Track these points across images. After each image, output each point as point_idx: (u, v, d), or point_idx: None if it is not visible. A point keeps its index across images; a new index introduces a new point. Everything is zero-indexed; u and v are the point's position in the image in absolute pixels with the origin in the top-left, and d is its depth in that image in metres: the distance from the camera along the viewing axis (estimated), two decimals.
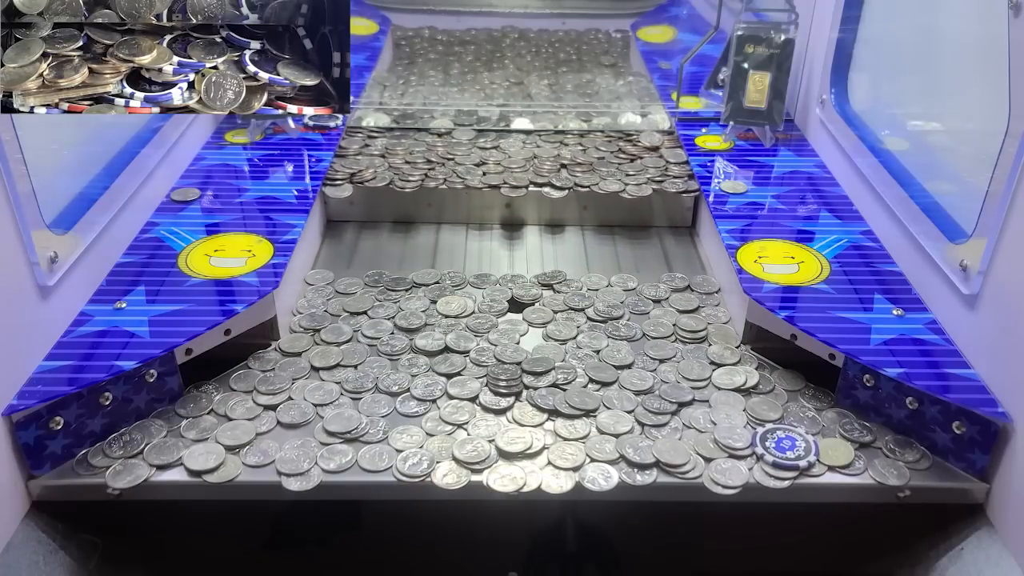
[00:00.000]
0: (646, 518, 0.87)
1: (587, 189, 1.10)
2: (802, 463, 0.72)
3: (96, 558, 0.75)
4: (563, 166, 1.14)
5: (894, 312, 0.83)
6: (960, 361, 0.76)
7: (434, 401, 0.79)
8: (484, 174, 1.12)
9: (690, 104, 1.31)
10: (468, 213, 1.12)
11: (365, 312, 0.92)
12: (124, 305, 0.82)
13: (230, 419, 0.77)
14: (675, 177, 1.12)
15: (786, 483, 0.71)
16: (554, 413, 0.78)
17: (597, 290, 0.97)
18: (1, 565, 0.67)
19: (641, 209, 1.11)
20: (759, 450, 0.73)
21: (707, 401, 0.80)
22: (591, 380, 0.82)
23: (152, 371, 0.76)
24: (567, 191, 1.10)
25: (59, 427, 0.71)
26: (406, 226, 1.11)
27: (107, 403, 0.74)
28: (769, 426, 0.76)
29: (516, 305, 0.94)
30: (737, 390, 0.81)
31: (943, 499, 0.74)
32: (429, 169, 1.12)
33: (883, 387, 0.77)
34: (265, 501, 0.75)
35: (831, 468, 0.72)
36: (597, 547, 0.97)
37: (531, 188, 1.10)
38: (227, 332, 0.82)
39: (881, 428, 0.77)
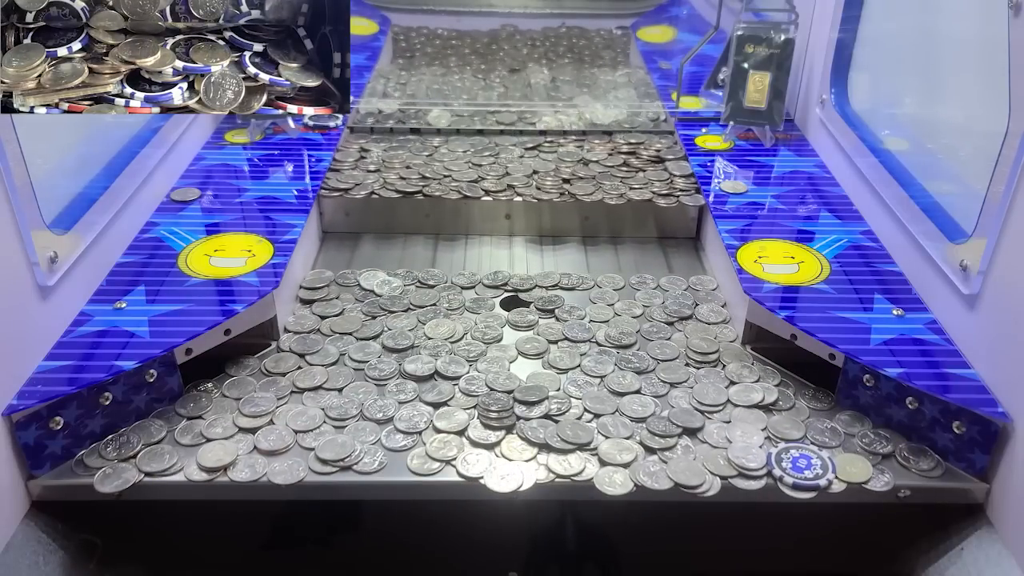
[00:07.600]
0: (646, 518, 0.87)
1: (589, 198, 1.08)
2: (822, 482, 0.71)
3: (96, 558, 0.75)
4: (565, 181, 1.12)
5: (894, 312, 0.83)
6: (960, 361, 0.76)
7: (419, 433, 0.75)
8: (486, 192, 1.10)
9: (690, 104, 1.31)
10: (467, 224, 1.10)
11: (351, 334, 0.88)
12: (124, 305, 0.82)
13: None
14: (680, 190, 1.10)
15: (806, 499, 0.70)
16: (545, 447, 0.74)
17: (607, 320, 0.91)
18: (1, 565, 0.67)
19: (644, 220, 1.10)
20: (776, 472, 0.71)
21: (721, 421, 0.77)
22: (585, 411, 0.78)
23: (152, 371, 0.76)
24: (568, 200, 1.08)
25: (59, 427, 0.71)
26: (404, 237, 1.09)
27: (107, 403, 0.74)
28: (782, 445, 0.74)
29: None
30: (755, 407, 0.79)
31: (943, 499, 0.73)
32: (424, 186, 1.10)
33: (883, 387, 0.77)
34: (265, 501, 0.75)
35: (850, 484, 0.71)
36: (597, 547, 0.97)
37: (530, 200, 1.08)
38: (227, 332, 0.82)
39: (896, 436, 0.76)
